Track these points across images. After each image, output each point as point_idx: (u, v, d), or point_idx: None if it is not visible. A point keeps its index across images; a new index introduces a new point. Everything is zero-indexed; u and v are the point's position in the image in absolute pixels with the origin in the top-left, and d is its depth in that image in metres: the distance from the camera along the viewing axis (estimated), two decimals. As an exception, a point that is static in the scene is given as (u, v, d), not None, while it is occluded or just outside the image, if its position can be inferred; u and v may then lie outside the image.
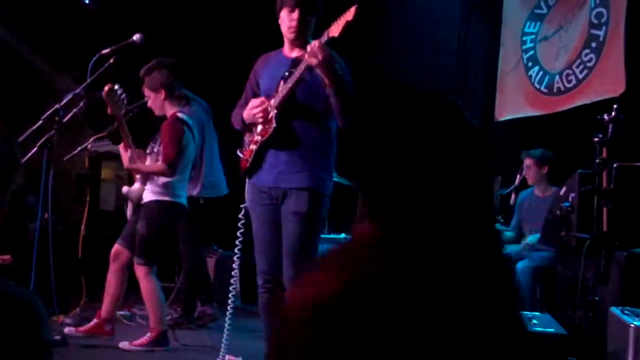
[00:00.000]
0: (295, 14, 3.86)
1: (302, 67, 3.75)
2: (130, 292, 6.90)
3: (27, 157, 4.69)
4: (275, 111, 3.87)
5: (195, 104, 5.90)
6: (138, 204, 5.17)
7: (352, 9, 3.56)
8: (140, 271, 5.05)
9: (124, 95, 4.86)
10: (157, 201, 5.08)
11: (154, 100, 5.16)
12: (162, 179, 5.07)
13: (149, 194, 5.12)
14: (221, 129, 5.99)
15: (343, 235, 6.56)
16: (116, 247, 5.20)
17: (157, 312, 5.10)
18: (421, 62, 7.87)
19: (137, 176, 5.21)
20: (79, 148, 5.54)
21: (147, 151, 5.27)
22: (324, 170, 3.97)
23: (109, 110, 4.89)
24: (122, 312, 5.93)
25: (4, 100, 7.48)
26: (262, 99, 3.94)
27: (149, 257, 5.05)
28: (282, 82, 3.87)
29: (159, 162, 5.05)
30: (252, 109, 3.93)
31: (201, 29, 7.77)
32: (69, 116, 4.50)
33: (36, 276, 4.67)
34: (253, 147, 4.02)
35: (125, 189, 5.27)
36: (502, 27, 7.35)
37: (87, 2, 7.79)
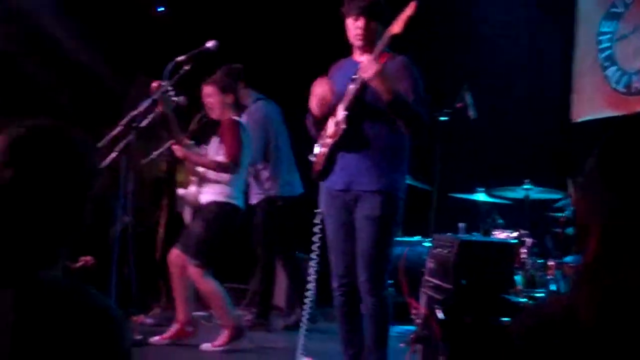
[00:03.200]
0: (360, 22, 3.90)
1: (376, 53, 3.77)
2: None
3: (106, 162, 4.83)
4: (345, 112, 3.88)
5: (266, 104, 6.00)
6: (196, 208, 5.23)
7: (412, 4, 3.59)
8: (195, 274, 5.04)
9: (172, 92, 4.89)
10: (215, 203, 5.12)
11: (218, 101, 5.20)
12: (220, 180, 5.12)
13: (207, 196, 5.16)
14: (294, 134, 6.07)
15: (417, 237, 6.52)
16: (175, 251, 5.18)
17: (225, 310, 5.13)
18: (494, 64, 7.78)
19: (193, 179, 5.26)
20: (157, 152, 5.65)
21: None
22: (396, 172, 3.96)
23: (159, 108, 4.91)
24: (200, 313, 6.03)
25: (80, 108, 7.71)
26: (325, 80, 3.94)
27: (204, 258, 5.06)
28: (350, 85, 3.89)
29: (223, 158, 5.08)
30: (315, 87, 3.94)
31: (274, 34, 7.85)
32: (146, 121, 4.59)
33: (117, 278, 4.80)
34: (324, 150, 4.05)
35: (181, 191, 5.35)
36: (576, 26, 7.21)
37: (160, 9, 7.96)
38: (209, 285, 5.06)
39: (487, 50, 7.81)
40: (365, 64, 3.69)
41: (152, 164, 6.18)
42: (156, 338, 5.18)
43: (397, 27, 3.62)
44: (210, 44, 4.41)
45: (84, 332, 1.48)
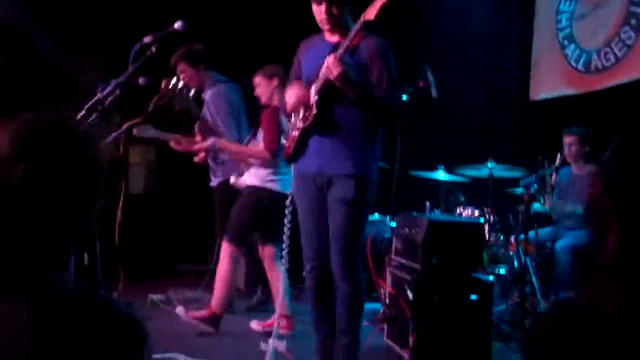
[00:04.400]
0: (323, 8, 3.80)
1: (340, 51, 3.69)
2: (165, 276, 6.94)
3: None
4: (316, 97, 3.80)
5: (228, 86, 5.87)
6: None
7: None
8: (225, 249, 5.20)
9: (183, 86, 4.99)
10: (249, 187, 5.28)
11: (265, 88, 5.30)
12: (257, 165, 5.25)
13: (247, 180, 5.32)
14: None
15: (377, 216, 6.50)
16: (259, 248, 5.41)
17: (222, 295, 5.19)
18: (454, 43, 7.78)
19: (242, 166, 5.42)
20: (115, 134, 5.50)
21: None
22: (369, 156, 3.90)
23: (176, 107, 5.16)
24: (157, 297, 5.94)
25: (28, 90, 7.46)
26: (300, 88, 3.88)
27: (233, 237, 5.19)
28: (323, 68, 3.78)
29: (261, 147, 5.20)
30: (292, 96, 3.89)
31: (237, 11, 7.71)
32: (107, 103, 4.42)
33: (77, 263, 4.65)
34: (295, 133, 3.97)
35: (232, 179, 5.47)
36: (535, 5, 7.24)
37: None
38: (227, 266, 5.20)
39: (446, 29, 7.80)
40: (329, 64, 3.64)
41: (108, 147, 6.02)
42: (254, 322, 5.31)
43: (371, 13, 3.54)
44: (177, 24, 4.22)
45: (105, 343, 1.40)
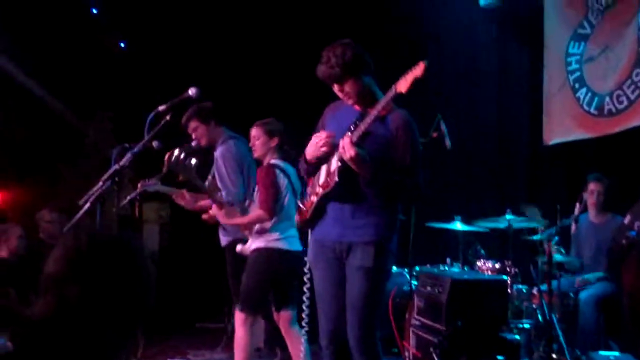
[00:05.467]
0: (336, 88, 3.78)
1: (368, 121, 3.61)
2: (182, 335, 6.87)
3: (80, 214, 4.64)
4: (339, 164, 3.70)
5: (239, 143, 5.84)
6: None
7: (421, 65, 3.40)
8: (238, 318, 5.02)
9: (186, 157, 4.90)
10: (257, 250, 5.06)
11: (263, 144, 5.18)
12: (261, 228, 5.05)
13: (253, 245, 5.10)
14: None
15: (394, 268, 6.42)
16: (274, 313, 5.21)
17: None
18: (461, 91, 7.76)
19: (246, 232, 5.21)
20: (130, 196, 5.51)
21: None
22: (389, 225, 3.80)
23: (179, 178, 5.04)
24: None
25: (38, 145, 7.49)
26: (328, 132, 3.78)
27: (248, 305, 5.00)
28: (347, 134, 3.69)
29: (257, 210, 5.04)
30: (317, 142, 3.77)
31: (248, 69, 7.73)
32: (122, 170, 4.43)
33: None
34: (314, 198, 3.89)
35: (239, 247, 5.28)
36: (544, 49, 7.20)
37: (122, 45, 7.76)
38: (244, 333, 5.00)
39: (452, 79, 7.79)
40: (344, 145, 3.57)
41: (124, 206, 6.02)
42: None
43: (403, 86, 3.45)
44: (191, 91, 4.23)
45: None
